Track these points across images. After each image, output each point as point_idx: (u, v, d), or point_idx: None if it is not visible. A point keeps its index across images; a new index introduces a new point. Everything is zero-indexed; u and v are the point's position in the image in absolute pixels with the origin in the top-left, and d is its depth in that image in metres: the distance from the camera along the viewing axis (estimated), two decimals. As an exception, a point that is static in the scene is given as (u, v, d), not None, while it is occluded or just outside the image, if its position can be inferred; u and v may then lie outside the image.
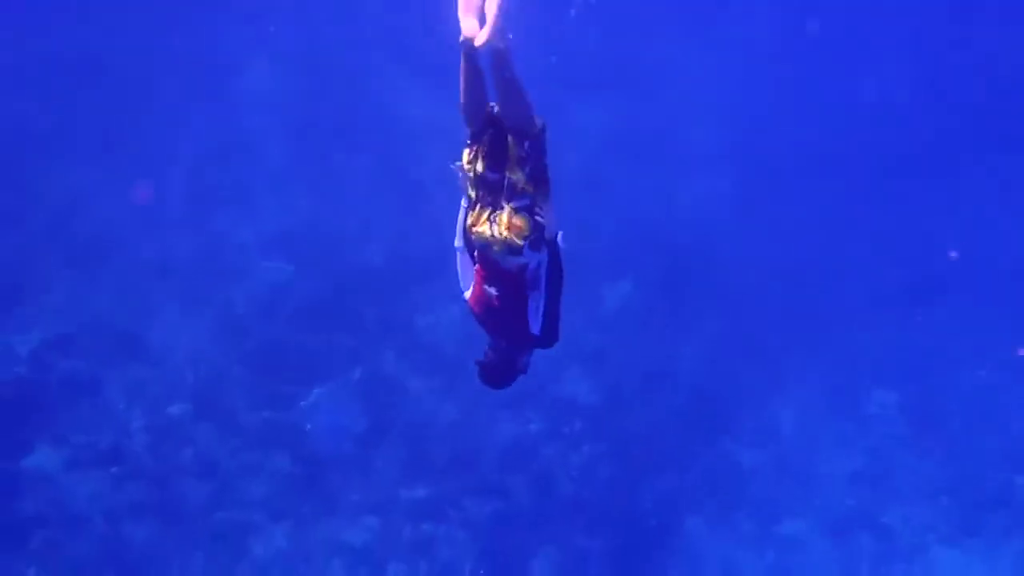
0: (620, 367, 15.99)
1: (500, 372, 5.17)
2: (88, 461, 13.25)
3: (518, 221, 4.61)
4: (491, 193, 4.69)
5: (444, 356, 15.69)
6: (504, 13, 4.36)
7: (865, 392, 15.95)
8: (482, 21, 4.43)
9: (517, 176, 4.63)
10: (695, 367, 16.26)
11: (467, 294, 5.15)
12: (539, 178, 4.62)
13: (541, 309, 4.85)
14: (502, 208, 4.65)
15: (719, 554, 15.34)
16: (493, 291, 4.90)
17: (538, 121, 4.62)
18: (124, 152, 15.56)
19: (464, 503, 14.78)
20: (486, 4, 4.45)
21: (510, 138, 4.61)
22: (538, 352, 5.24)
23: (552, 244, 4.74)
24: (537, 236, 4.64)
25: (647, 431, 15.75)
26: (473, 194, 4.77)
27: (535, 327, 4.90)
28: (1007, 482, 14.59)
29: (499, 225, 4.63)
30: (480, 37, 4.39)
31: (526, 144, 4.58)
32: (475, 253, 4.95)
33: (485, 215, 4.69)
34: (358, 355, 15.36)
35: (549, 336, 4.96)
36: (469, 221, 4.76)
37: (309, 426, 14.68)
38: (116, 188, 15.24)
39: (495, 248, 4.73)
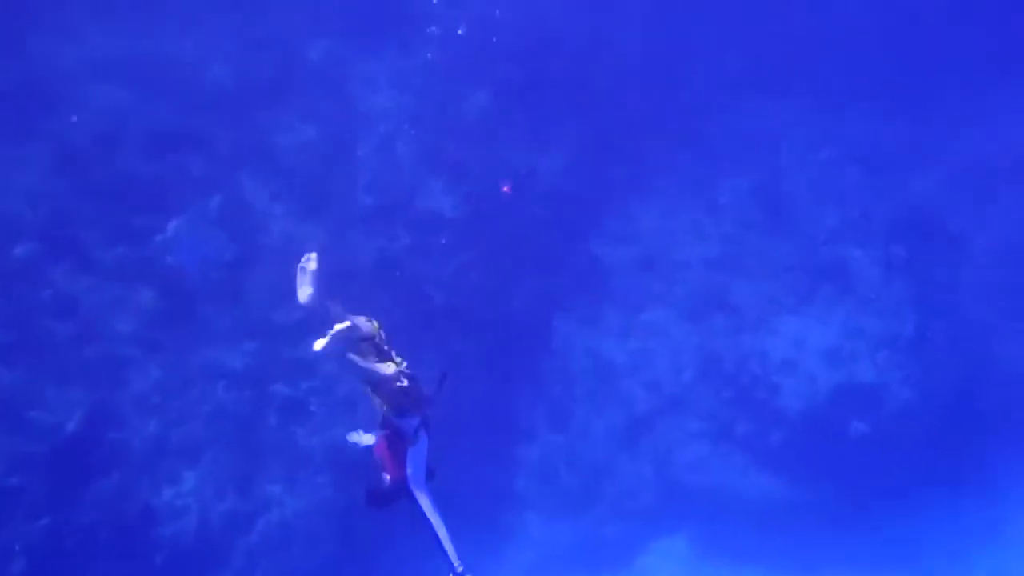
0: (481, 178, 16.10)
1: (381, 498, 7.31)
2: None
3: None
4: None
5: (302, 178, 15.40)
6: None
7: (719, 182, 16.71)
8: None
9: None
10: (556, 172, 16.59)
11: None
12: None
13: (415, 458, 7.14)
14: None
15: (587, 346, 16.39)
16: (381, 435, 7.28)
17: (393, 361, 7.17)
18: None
19: (340, 321, 14.98)
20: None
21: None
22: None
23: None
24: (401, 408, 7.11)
25: (513, 238, 16.19)
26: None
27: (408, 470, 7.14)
28: (841, 253, 15.93)
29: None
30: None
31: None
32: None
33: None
34: (213, 183, 14.83)
35: (416, 481, 7.13)
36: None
37: (170, 259, 14.30)
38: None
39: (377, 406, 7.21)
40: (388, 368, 7.07)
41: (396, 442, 7.15)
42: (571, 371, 16.25)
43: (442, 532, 7.10)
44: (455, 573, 7.09)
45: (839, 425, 14.81)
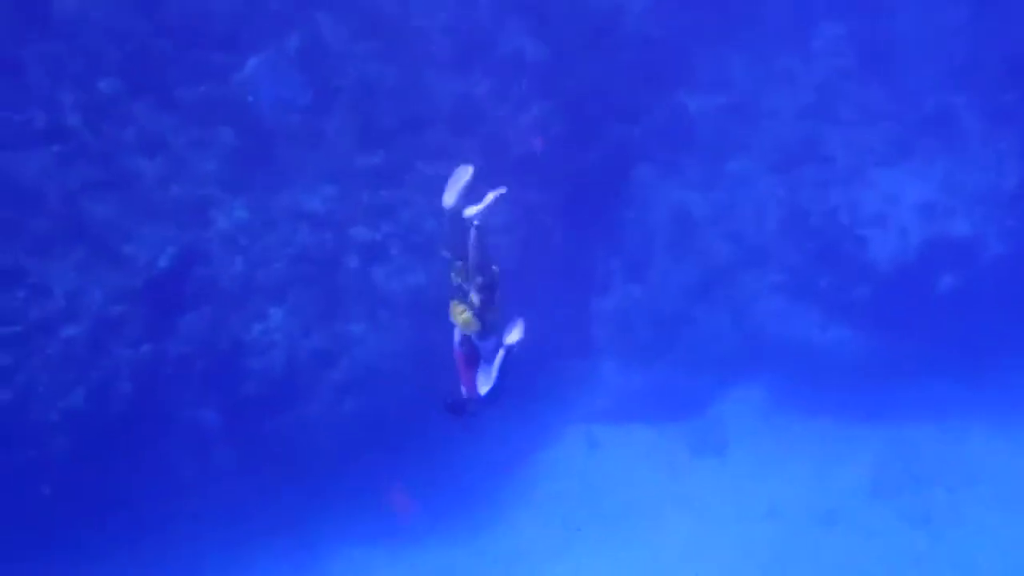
0: (565, 20, 15.44)
1: (456, 411, 7.59)
2: (28, 140, 12.77)
3: (468, 319, 7.23)
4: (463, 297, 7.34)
5: (382, 17, 14.97)
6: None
7: (813, 26, 15.76)
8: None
9: (473, 295, 7.23)
10: (642, 18, 15.82)
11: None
12: (487, 301, 7.22)
13: (488, 378, 7.45)
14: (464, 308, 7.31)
15: (667, 197, 16.07)
16: (460, 351, 7.52)
17: (494, 268, 7.19)
18: None
19: (418, 167, 14.91)
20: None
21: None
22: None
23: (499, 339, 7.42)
24: (483, 331, 7.28)
25: (595, 86, 15.66)
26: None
27: (481, 389, 7.48)
28: (944, 103, 15.06)
29: (456, 317, 7.30)
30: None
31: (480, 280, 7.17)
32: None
33: (459, 308, 7.28)
34: (291, 20, 14.53)
35: (488, 399, 7.48)
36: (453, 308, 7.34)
37: (251, 98, 14.23)
38: None
39: (459, 327, 7.42)
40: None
41: (473, 359, 7.55)
42: (650, 222, 16.01)
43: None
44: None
45: (927, 280, 14.43)
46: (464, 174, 7.10)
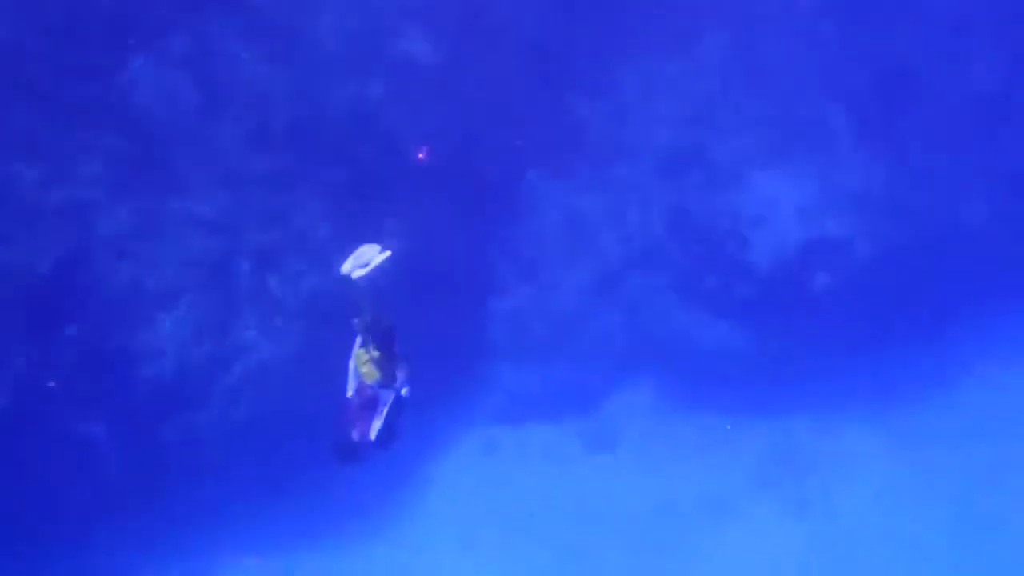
0: (459, 24, 15.61)
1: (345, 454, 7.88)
2: None
3: (370, 370, 7.75)
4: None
5: (272, 23, 14.82)
6: None
7: (697, 36, 16.33)
8: None
9: (372, 349, 7.77)
10: (536, 25, 16.10)
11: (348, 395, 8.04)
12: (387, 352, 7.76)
13: (378, 426, 7.81)
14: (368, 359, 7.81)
15: (559, 200, 16.43)
16: (358, 398, 7.88)
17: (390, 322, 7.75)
18: None
19: (313, 172, 14.84)
20: None
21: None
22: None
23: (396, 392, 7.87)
24: (384, 381, 7.76)
25: (488, 90, 15.88)
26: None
27: (372, 434, 7.80)
28: (817, 111, 15.76)
29: (361, 366, 7.81)
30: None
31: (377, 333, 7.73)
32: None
33: (364, 357, 7.80)
34: (178, 20, 14.24)
35: (379, 443, 7.83)
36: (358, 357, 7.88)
37: (135, 100, 13.89)
38: None
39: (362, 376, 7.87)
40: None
41: (370, 405, 7.94)
42: (543, 224, 16.36)
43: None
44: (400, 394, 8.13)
45: (805, 279, 15.17)
46: (373, 253, 7.75)
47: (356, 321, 7.79)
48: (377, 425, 7.84)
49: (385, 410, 7.84)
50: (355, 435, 7.91)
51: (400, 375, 7.90)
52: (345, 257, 7.66)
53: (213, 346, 14.14)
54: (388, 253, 7.63)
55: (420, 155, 8.75)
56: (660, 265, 16.11)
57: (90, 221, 13.44)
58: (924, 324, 15.35)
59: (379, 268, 7.59)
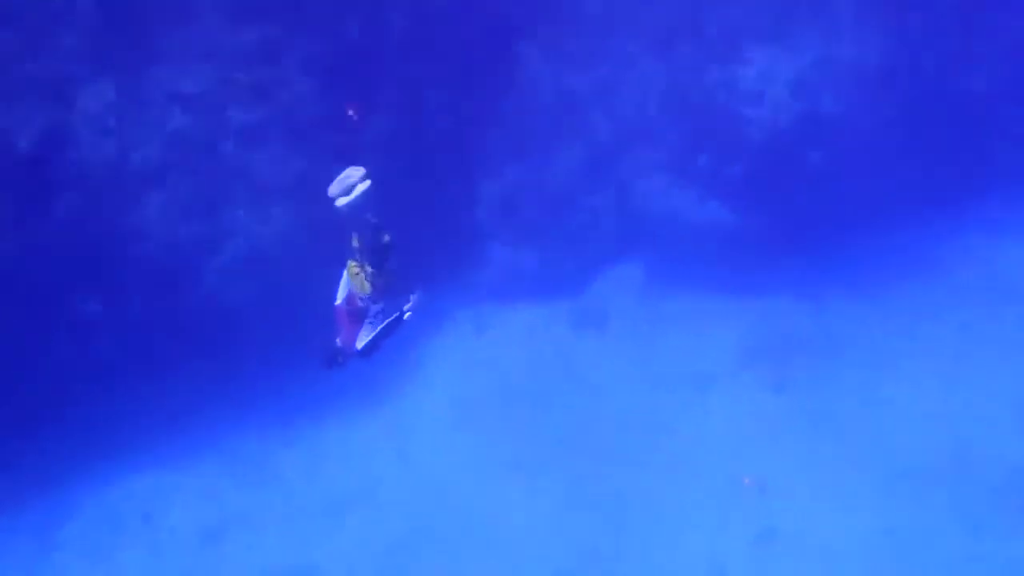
0: None
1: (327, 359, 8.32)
2: None
3: (362, 281, 8.03)
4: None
5: None
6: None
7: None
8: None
9: (367, 264, 8.05)
10: None
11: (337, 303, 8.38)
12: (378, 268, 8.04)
13: (368, 335, 8.16)
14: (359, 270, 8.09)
15: (550, 76, 15.99)
16: (346, 307, 8.26)
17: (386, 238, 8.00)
18: None
19: (297, 44, 14.41)
20: None
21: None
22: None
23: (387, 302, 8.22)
24: (373, 295, 8.08)
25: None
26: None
27: (358, 344, 8.18)
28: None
29: (352, 277, 8.11)
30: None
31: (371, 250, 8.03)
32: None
33: (355, 268, 8.08)
34: None
35: (362, 354, 8.21)
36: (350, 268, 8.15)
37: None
38: None
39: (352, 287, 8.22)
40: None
41: (358, 317, 8.23)
42: (534, 102, 16.00)
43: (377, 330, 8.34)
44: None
45: (798, 156, 14.93)
46: (357, 176, 7.87)
47: (353, 236, 8.00)
48: (365, 337, 8.13)
49: (381, 326, 8.12)
50: (339, 342, 8.28)
51: (394, 289, 8.12)
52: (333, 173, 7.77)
53: (202, 226, 14.14)
54: (368, 183, 7.79)
55: (350, 112, 8.50)
56: (652, 144, 15.86)
57: (71, 95, 13.19)
58: (916, 201, 15.28)
59: (362, 195, 7.77)
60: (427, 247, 14.71)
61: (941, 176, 15.21)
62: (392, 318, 8.19)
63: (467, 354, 15.95)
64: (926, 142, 14.90)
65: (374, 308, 8.19)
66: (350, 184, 7.81)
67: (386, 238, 8.04)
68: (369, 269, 7.99)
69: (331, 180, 7.83)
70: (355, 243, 8.06)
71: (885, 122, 14.73)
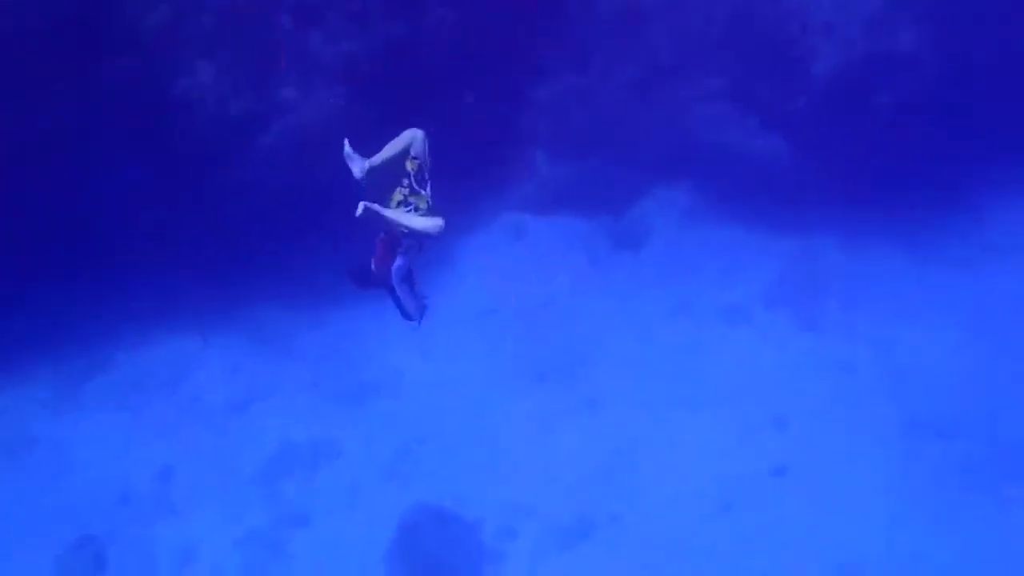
0: None
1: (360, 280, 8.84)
2: None
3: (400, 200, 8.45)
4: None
5: None
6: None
7: None
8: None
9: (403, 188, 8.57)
10: None
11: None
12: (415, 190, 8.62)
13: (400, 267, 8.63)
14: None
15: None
16: (384, 237, 8.63)
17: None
18: None
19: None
20: None
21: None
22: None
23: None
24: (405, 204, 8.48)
25: None
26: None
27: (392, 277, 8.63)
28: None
29: (392, 201, 8.48)
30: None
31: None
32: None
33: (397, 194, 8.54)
34: None
35: (394, 281, 8.63)
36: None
37: None
38: None
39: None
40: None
41: (392, 247, 8.58)
42: (594, 11, 15.46)
43: (406, 300, 8.78)
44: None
45: (864, 95, 14.35)
46: (412, 137, 8.47)
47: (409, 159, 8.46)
48: (398, 265, 8.56)
49: (404, 291, 8.60)
50: (373, 265, 8.67)
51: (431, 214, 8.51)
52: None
53: (251, 101, 14.13)
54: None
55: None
56: (714, 68, 15.30)
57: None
58: (978, 152, 14.66)
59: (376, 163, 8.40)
60: (472, 150, 14.67)
61: (1007, 135, 14.53)
62: (412, 291, 8.70)
63: (502, 259, 15.94)
64: (1008, 94, 14.18)
65: (409, 242, 8.55)
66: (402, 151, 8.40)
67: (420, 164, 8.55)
68: (408, 190, 8.41)
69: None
70: (410, 166, 8.46)
71: (965, 66, 14.01)
